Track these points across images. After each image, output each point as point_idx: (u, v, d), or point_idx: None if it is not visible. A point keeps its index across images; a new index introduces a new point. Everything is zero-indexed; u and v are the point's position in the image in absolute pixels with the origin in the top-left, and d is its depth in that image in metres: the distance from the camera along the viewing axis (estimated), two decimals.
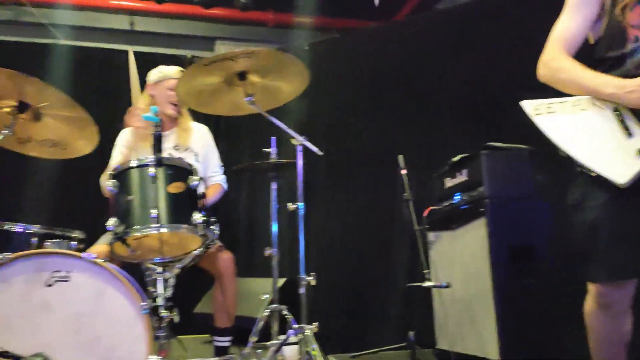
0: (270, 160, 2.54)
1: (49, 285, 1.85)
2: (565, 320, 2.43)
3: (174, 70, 2.86)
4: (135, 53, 4.65)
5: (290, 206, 2.33)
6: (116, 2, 5.51)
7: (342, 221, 3.76)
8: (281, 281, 3.71)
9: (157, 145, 2.12)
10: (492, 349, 2.49)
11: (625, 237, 1.52)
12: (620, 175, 1.48)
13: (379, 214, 3.83)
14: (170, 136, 2.85)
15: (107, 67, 4.36)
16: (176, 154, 2.81)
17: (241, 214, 4.21)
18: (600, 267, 1.54)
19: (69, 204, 3.65)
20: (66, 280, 1.86)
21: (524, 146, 2.75)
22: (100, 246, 2.47)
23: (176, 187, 2.11)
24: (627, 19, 1.57)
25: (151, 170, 2.05)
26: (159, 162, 2.08)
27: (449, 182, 3.11)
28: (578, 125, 1.57)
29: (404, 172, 3.12)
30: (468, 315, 2.75)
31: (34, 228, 2.37)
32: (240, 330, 2.75)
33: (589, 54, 1.69)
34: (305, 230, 2.39)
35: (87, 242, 2.37)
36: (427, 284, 2.92)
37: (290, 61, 2.21)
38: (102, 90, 4.13)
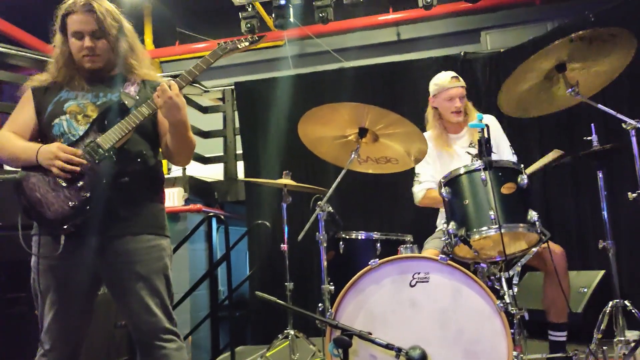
0: (594, 148, 2.42)
1: (412, 286, 2.10)
2: None
3: (447, 80, 2.89)
4: (406, 62, 4.94)
5: (630, 195, 2.19)
6: (383, 18, 5.94)
7: None
8: (600, 273, 3.49)
9: (484, 150, 2.23)
10: None
11: None
12: None
13: None
14: (463, 137, 2.95)
15: (389, 80, 4.65)
16: (473, 152, 2.90)
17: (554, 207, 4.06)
18: None
19: (387, 210, 4.04)
20: (426, 281, 2.09)
21: None
22: (431, 250, 2.67)
23: (508, 188, 2.18)
24: None
25: (482, 175, 2.17)
26: (489, 166, 2.18)
27: None
28: None
29: None
30: None
31: (376, 235, 2.73)
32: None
33: None
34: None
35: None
36: None
37: (614, 35, 2.07)
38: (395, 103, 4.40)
